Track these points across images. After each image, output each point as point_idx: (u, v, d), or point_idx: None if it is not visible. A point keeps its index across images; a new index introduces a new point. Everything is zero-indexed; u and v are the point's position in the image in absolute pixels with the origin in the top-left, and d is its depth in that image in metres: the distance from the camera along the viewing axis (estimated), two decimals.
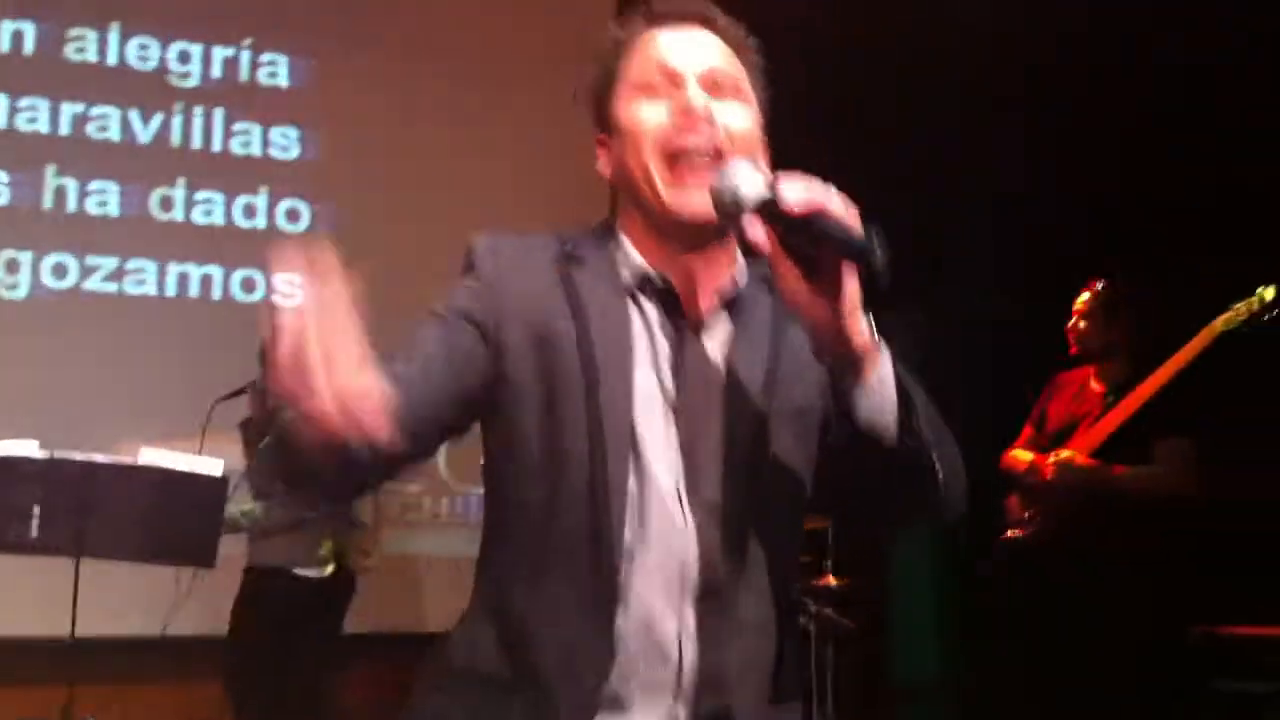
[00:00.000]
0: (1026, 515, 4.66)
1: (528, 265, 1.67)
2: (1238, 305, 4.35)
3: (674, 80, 1.66)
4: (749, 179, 1.51)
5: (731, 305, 1.69)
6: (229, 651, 4.77)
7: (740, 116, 1.66)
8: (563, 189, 6.59)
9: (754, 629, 1.62)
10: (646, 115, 1.65)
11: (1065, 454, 4.52)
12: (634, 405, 1.59)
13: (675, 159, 1.62)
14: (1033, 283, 5.31)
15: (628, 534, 1.57)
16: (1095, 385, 4.65)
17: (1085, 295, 4.69)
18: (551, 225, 1.75)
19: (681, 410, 1.62)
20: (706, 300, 1.67)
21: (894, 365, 1.53)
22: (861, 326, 1.48)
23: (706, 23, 1.71)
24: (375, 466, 1.48)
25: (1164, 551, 4.33)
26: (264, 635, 4.71)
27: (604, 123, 1.73)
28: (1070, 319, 4.72)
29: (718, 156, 1.61)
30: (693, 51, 1.68)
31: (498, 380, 1.62)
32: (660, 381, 1.63)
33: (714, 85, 1.65)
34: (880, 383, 1.51)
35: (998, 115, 5.52)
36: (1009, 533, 4.70)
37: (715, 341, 1.67)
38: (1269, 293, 4.33)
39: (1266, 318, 4.32)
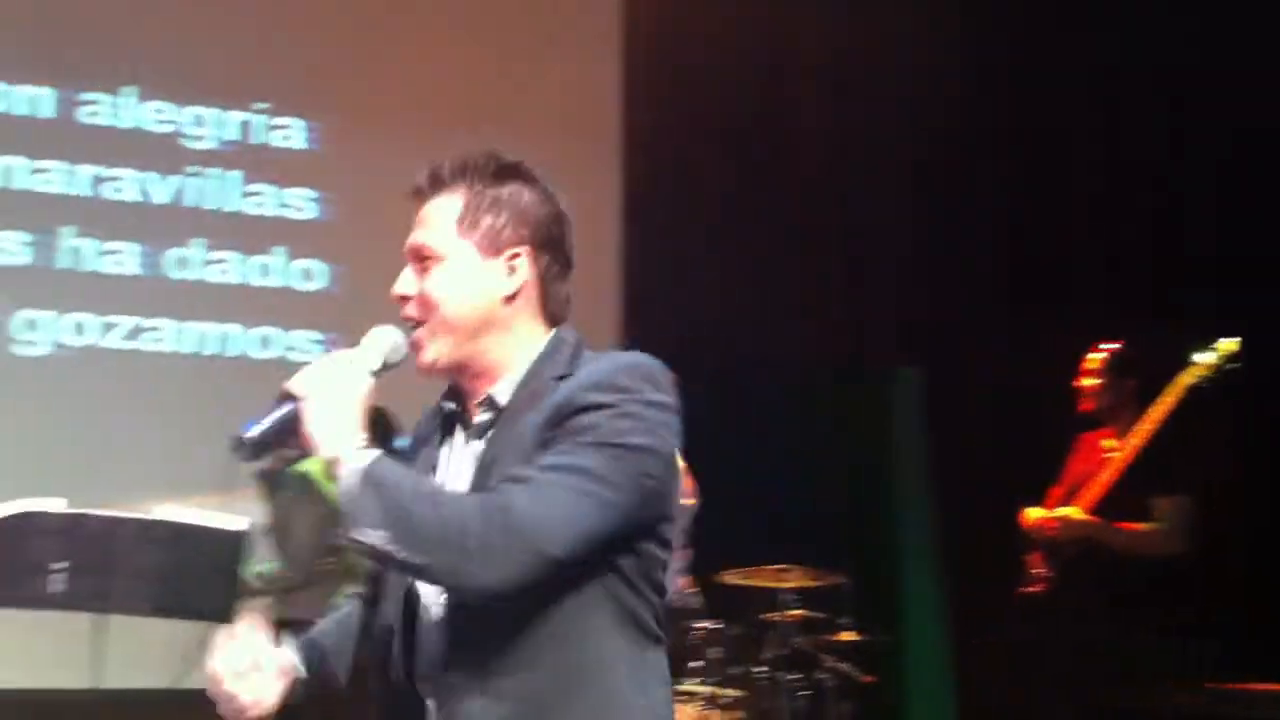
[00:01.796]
0: (1041, 572, 4.71)
1: (428, 425, 2.02)
2: (1200, 359, 4.44)
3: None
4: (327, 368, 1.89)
5: (494, 406, 1.90)
6: None
7: (433, 283, 1.89)
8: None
9: None
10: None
11: (1063, 511, 4.59)
12: None
13: None
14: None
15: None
16: (1106, 444, 4.70)
17: (1095, 355, 4.73)
18: None
19: None
20: (476, 410, 1.92)
21: (366, 478, 1.73)
22: (319, 439, 1.80)
23: (419, 195, 1.98)
24: None
25: (1163, 608, 4.37)
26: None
27: None
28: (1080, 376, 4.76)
29: (419, 324, 1.90)
30: (413, 232, 1.95)
31: None
32: None
33: (419, 259, 1.92)
34: (344, 491, 1.74)
35: None
36: (1026, 589, 4.74)
37: (479, 441, 1.90)
38: (1229, 345, 4.45)
39: (1229, 368, 4.42)
